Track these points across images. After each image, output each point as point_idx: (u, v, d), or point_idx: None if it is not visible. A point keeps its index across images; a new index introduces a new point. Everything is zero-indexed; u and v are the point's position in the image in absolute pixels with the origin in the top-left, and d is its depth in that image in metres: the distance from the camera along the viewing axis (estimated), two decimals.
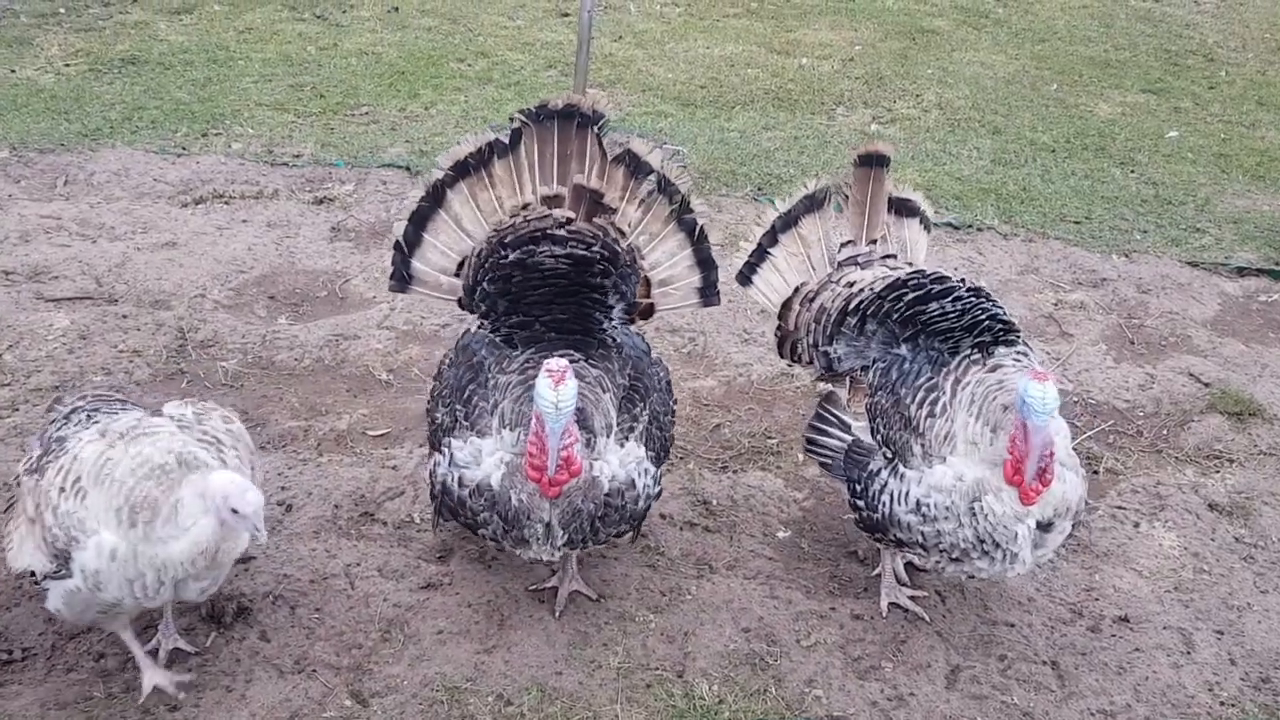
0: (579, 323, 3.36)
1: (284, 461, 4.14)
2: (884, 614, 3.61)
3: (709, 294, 3.68)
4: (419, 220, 3.52)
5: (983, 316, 3.34)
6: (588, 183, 3.50)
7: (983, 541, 3.17)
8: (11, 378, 4.54)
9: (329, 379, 4.73)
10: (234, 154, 6.75)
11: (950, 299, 3.37)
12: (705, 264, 3.64)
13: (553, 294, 3.33)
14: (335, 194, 6.25)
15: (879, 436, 3.40)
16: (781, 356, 3.85)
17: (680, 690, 3.31)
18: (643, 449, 3.25)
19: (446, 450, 3.22)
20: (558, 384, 2.89)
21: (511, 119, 3.55)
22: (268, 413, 4.46)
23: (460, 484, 3.16)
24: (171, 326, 4.95)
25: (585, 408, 3.11)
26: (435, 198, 3.52)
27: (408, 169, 6.58)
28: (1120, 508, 4.24)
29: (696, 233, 3.61)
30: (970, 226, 6.41)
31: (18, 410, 4.35)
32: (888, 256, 3.76)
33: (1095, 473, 4.39)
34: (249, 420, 4.40)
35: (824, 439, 3.67)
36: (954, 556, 3.25)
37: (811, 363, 3.67)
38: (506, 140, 3.51)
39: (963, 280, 3.48)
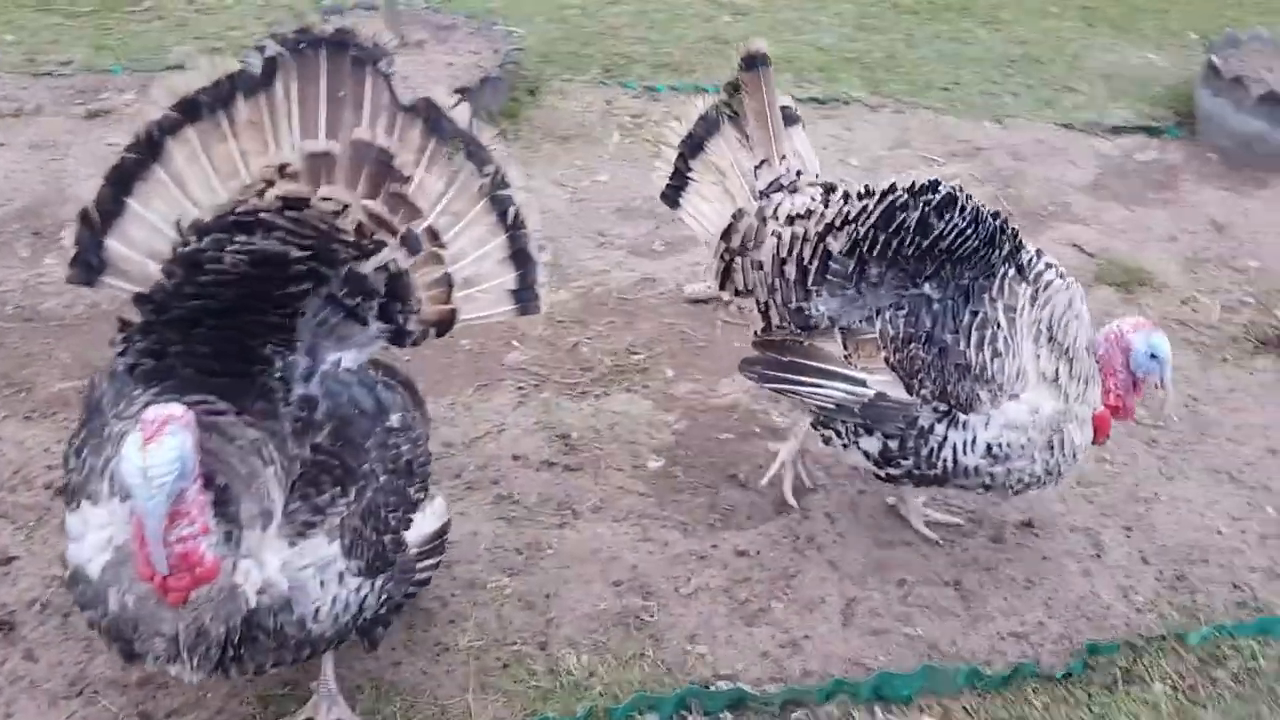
0: (232, 359, 2.34)
1: (53, 434, 3.44)
2: (925, 533, 3.34)
3: (526, 298, 2.79)
4: (122, 179, 2.48)
5: (990, 220, 2.92)
6: (374, 139, 2.57)
7: (1050, 474, 3.02)
8: None
9: (107, 329, 3.95)
10: None
11: (957, 211, 2.87)
12: (521, 258, 2.76)
13: (204, 310, 2.34)
14: (112, 105, 5.39)
15: (924, 392, 2.93)
16: (723, 289, 3.22)
17: (543, 666, 2.84)
18: (336, 548, 2.31)
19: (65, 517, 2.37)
20: (148, 442, 2.01)
21: (260, 47, 2.57)
22: (34, 374, 3.76)
23: (64, 564, 2.34)
24: None
25: (230, 485, 2.21)
26: (149, 148, 2.48)
27: None
28: None
29: (512, 217, 2.74)
30: (836, 100, 6.00)
31: None
32: (800, 173, 3.18)
33: None
34: (12, 385, 3.71)
35: (823, 389, 3.05)
36: (1016, 490, 3.07)
37: (781, 323, 3.07)
38: (257, 73, 2.52)
39: (934, 182, 2.92)
